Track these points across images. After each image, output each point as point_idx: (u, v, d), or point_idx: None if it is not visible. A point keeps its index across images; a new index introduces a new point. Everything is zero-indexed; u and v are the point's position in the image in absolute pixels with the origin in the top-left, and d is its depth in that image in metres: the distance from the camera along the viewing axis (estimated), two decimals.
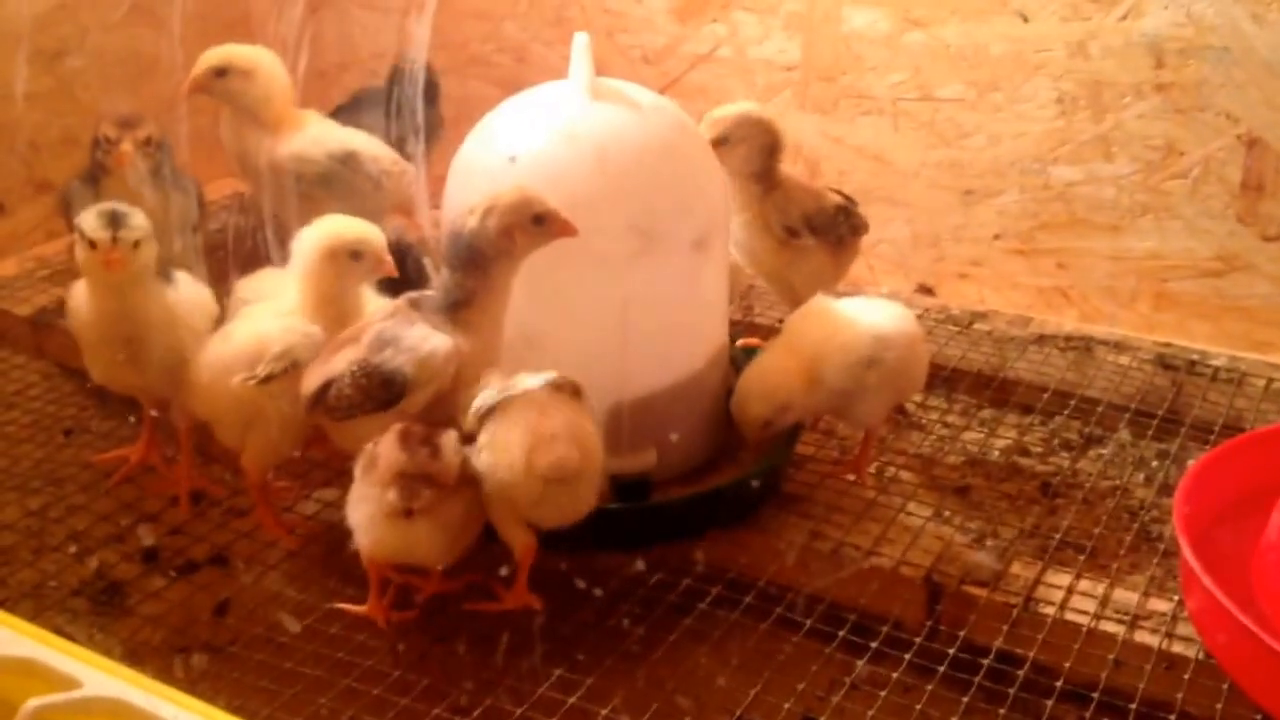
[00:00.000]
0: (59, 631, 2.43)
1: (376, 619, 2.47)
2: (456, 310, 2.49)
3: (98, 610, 2.54)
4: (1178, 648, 2.43)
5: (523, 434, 2.33)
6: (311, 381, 2.52)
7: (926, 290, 3.86)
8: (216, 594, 2.58)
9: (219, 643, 2.46)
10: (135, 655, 2.41)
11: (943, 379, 3.37)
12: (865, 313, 2.84)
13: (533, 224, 2.45)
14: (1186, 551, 2.34)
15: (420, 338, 2.46)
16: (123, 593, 2.58)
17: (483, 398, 2.41)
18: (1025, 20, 3.49)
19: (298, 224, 3.01)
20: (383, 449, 2.36)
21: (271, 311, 2.68)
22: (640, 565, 2.60)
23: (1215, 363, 3.39)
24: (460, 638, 2.46)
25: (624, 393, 2.69)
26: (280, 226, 3.19)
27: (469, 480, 2.38)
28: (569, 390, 2.42)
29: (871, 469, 2.98)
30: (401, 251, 3.02)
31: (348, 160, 3.35)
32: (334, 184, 3.33)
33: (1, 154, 3.88)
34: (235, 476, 2.83)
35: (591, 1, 4.12)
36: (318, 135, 3.39)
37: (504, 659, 2.39)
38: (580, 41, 2.70)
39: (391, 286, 2.84)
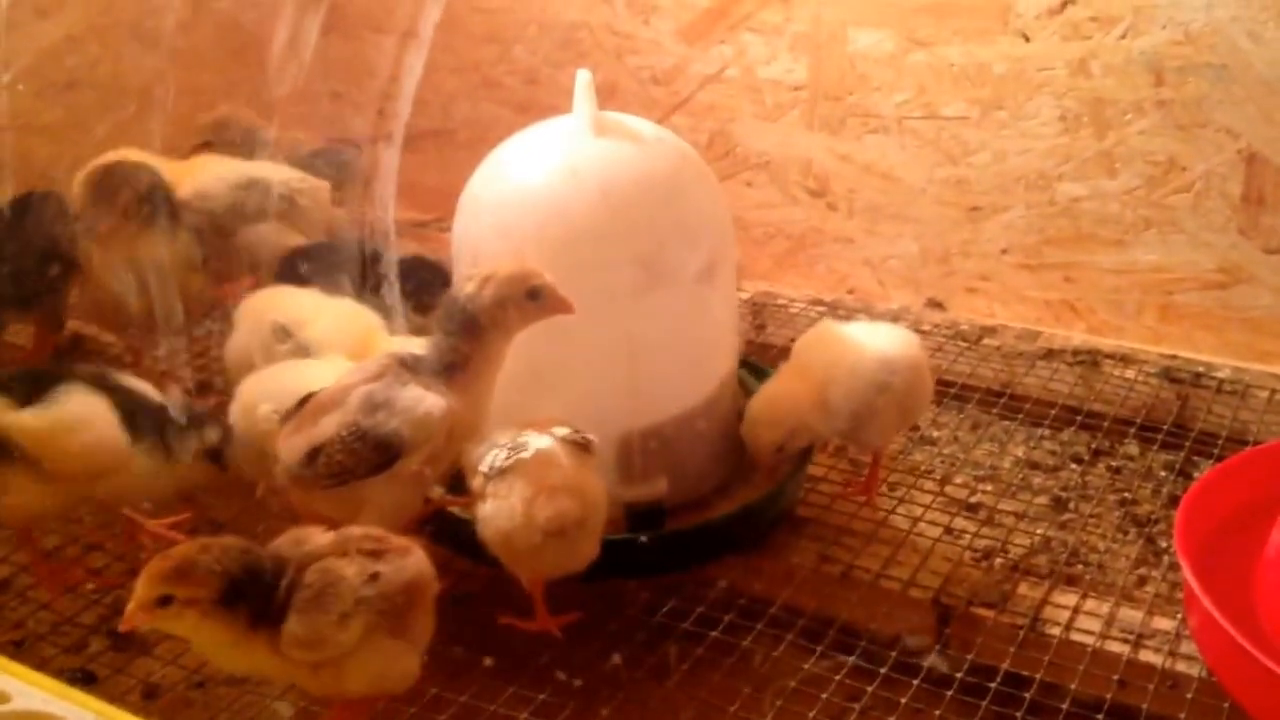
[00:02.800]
0: (79, 670, 2.49)
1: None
2: (450, 373, 2.47)
3: (117, 648, 2.55)
4: (1181, 666, 2.46)
5: (525, 485, 2.35)
6: (294, 449, 2.47)
7: (936, 305, 3.89)
8: None
9: (237, 678, 2.46)
10: (154, 693, 2.44)
11: (953, 394, 3.40)
12: (871, 337, 2.86)
13: (527, 298, 2.46)
14: (1187, 573, 2.37)
15: (414, 399, 2.43)
16: (140, 629, 2.59)
17: (491, 458, 2.41)
18: (1027, 40, 3.52)
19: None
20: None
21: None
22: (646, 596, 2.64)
23: (1220, 375, 3.41)
24: (491, 658, 2.51)
25: (634, 422, 2.71)
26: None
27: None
28: (577, 445, 2.44)
29: (882, 488, 3.02)
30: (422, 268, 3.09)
31: (251, 186, 3.38)
32: (245, 212, 3.36)
33: (13, 186, 3.91)
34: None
35: (600, 24, 4.15)
36: (217, 172, 3.42)
37: (523, 688, 2.42)
38: (583, 78, 2.72)
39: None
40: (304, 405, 2.52)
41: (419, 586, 2.22)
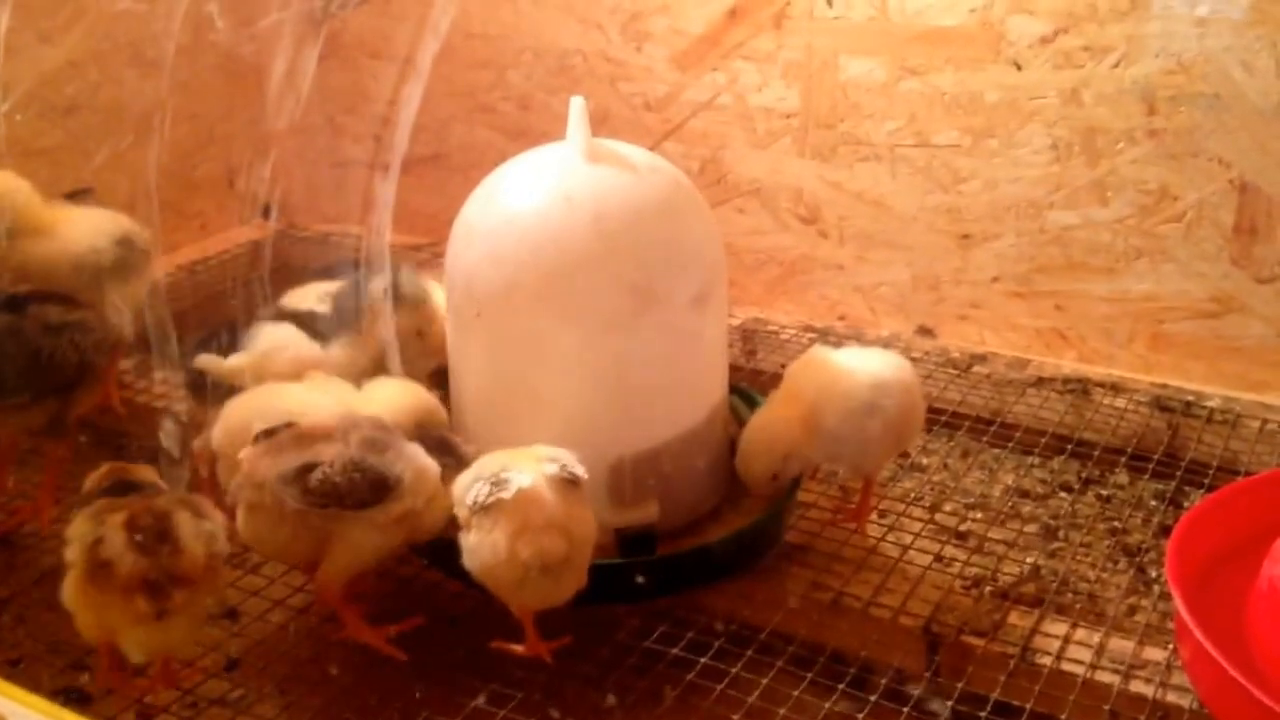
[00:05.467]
0: (74, 691, 2.49)
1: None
2: None
3: (113, 667, 2.54)
4: (1172, 697, 2.45)
5: (508, 521, 2.36)
6: (285, 462, 2.46)
7: (927, 332, 3.89)
8: (227, 650, 2.60)
9: (231, 698, 2.48)
10: (148, 714, 2.43)
11: (943, 422, 3.41)
12: (863, 361, 2.88)
13: None
14: (1180, 605, 2.37)
15: (416, 451, 2.51)
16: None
17: (475, 492, 2.40)
18: (1019, 68, 3.53)
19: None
20: (111, 550, 2.27)
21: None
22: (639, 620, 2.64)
23: (1210, 404, 3.41)
24: (482, 682, 2.50)
25: (625, 448, 2.72)
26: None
27: (216, 564, 2.38)
28: (565, 480, 2.43)
29: (872, 515, 3.02)
30: None
31: (125, 241, 3.30)
32: (120, 268, 3.28)
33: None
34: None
35: (593, 51, 4.16)
36: (94, 225, 3.30)
37: (514, 712, 2.42)
38: (576, 105, 2.73)
39: None
40: (281, 432, 2.52)
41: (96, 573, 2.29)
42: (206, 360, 2.76)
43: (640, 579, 2.64)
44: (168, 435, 2.71)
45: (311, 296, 3.11)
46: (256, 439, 2.51)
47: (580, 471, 2.45)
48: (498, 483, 2.39)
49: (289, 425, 2.52)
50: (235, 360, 2.78)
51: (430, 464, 2.49)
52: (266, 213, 4.72)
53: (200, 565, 2.31)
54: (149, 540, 2.27)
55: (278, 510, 2.45)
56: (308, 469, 2.44)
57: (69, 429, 2.98)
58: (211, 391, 2.80)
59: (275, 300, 3.20)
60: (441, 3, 2.76)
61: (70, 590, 2.32)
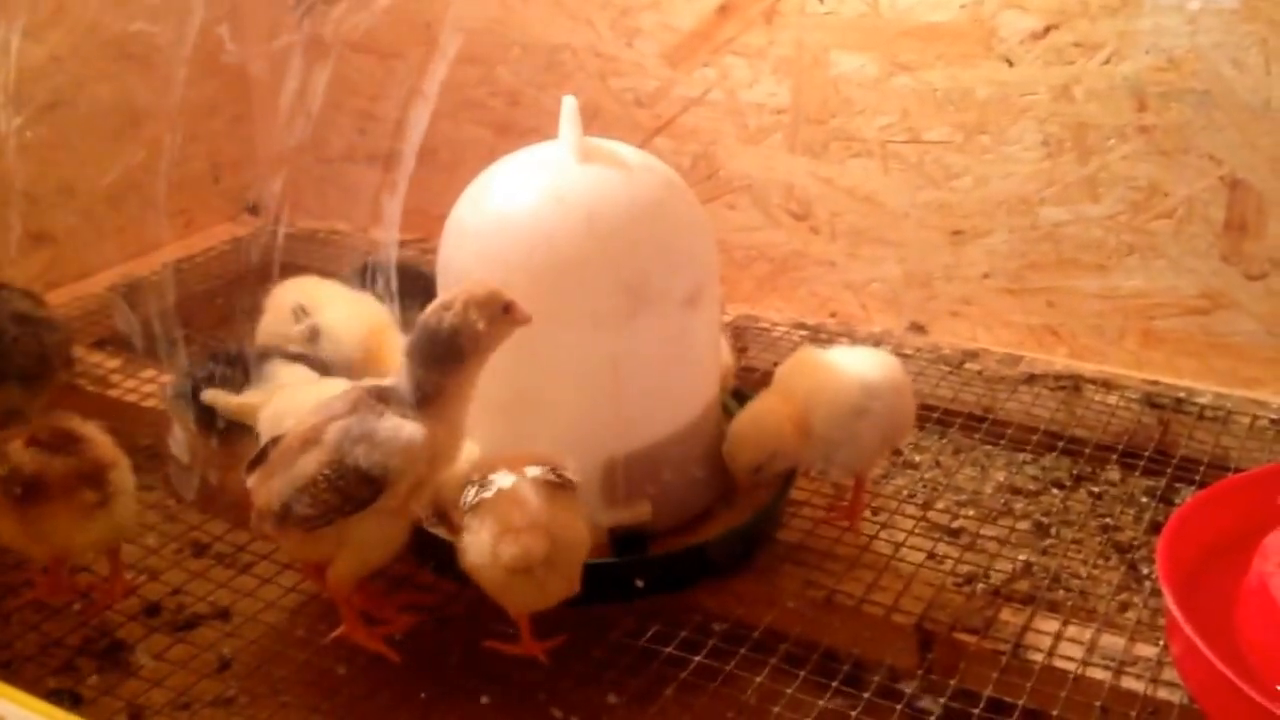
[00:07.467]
0: (66, 692, 2.48)
1: None
2: (424, 405, 2.42)
3: (103, 669, 2.55)
4: (1163, 693, 2.46)
5: (494, 522, 2.37)
6: (273, 494, 2.43)
7: (918, 328, 3.89)
8: (220, 651, 2.59)
9: (224, 699, 2.47)
10: (140, 715, 2.43)
11: (935, 419, 3.41)
12: (852, 362, 2.87)
13: (503, 313, 2.43)
14: (1170, 602, 2.37)
15: (394, 428, 2.39)
16: (127, 651, 2.59)
17: (465, 493, 2.44)
18: (1010, 65, 3.53)
19: None
20: (33, 465, 2.52)
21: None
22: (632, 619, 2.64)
23: (1201, 400, 3.43)
24: (477, 681, 2.50)
25: (618, 447, 2.72)
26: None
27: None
28: (556, 483, 2.43)
29: (865, 513, 3.02)
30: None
31: None
32: None
33: None
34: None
35: (584, 46, 4.15)
36: None
37: (509, 715, 2.43)
38: (569, 104, 2.72)
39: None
40: (269, 451, 2.50)
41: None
42: (214, 396, 2.73)
43: (639, 582, 2.66)
44: (177, 444, 2.72)
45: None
46: (248, 469, 2.52)
47: (571, 475, 2.46)
48: (483, 484, 2.42)
49: (272, 442, 2.51)
50: (245, 398, 2.75)
51: (413, 430, 2.40)
52: (253, 209, 4.72)
53: (113, 449, 2.60)
54: (61, 443, 2.54)
55: (299, 532, 2.46)
56: (295, 499, 2.41)
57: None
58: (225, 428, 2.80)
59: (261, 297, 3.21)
60: (449, 26, 2.75)
61: (4, 526, 2.57)
